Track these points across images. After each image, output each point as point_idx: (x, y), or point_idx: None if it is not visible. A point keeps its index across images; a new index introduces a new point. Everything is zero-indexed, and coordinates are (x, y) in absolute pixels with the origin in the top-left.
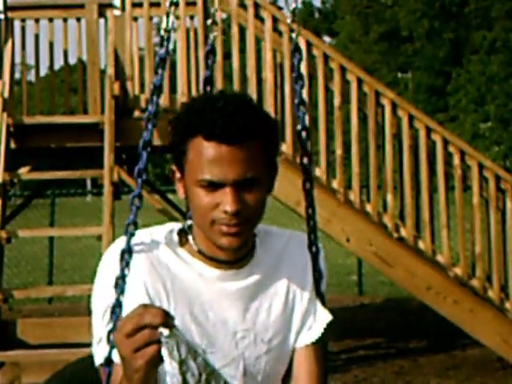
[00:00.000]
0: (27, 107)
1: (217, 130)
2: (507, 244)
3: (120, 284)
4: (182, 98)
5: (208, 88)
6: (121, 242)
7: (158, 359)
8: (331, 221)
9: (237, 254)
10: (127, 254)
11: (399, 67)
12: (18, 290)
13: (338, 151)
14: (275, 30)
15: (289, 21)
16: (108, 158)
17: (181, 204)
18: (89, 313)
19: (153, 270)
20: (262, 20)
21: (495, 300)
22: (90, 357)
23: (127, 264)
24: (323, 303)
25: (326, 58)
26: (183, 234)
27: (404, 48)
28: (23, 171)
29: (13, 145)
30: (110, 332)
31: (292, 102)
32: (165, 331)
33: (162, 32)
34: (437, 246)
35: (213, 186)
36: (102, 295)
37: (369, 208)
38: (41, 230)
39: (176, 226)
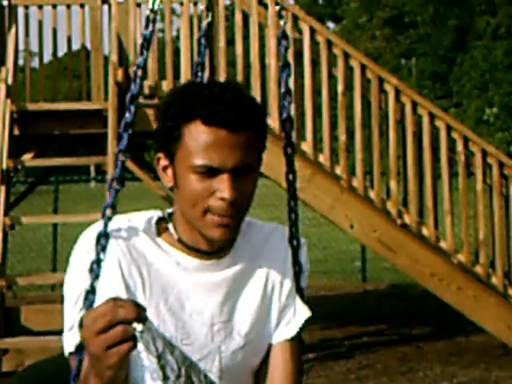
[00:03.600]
0: (31, 94)
1: (217, 116)
2: (511, 230)
3: (95, 269)
4: None
5: (199, 74)
6: (97, 226)
7: (129, 355)
8: (335, 207)
9: (219, 245)
10: (104, 238)
11: (403, 53)
12: (21, 277)
13: (342, 137)
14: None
15: (277, 8)
16: (111, 144)
17: None
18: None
19: (129, 256)
20: (265, 6)
21: (499, 286)
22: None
23: (103, 248)
24: (303, 299)
25: (329, 44)
26: (162, 222)
27: (408, 34)
28: (27, 158)
29: (16, 131)
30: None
31: (296, 87)
32: (139, 326)
33: (147, 12)
34: (440, 232)
35: (209, 172)
36: (75, 280)
37: (372, 194)
38: (44, 216)
39: (155, 214)
